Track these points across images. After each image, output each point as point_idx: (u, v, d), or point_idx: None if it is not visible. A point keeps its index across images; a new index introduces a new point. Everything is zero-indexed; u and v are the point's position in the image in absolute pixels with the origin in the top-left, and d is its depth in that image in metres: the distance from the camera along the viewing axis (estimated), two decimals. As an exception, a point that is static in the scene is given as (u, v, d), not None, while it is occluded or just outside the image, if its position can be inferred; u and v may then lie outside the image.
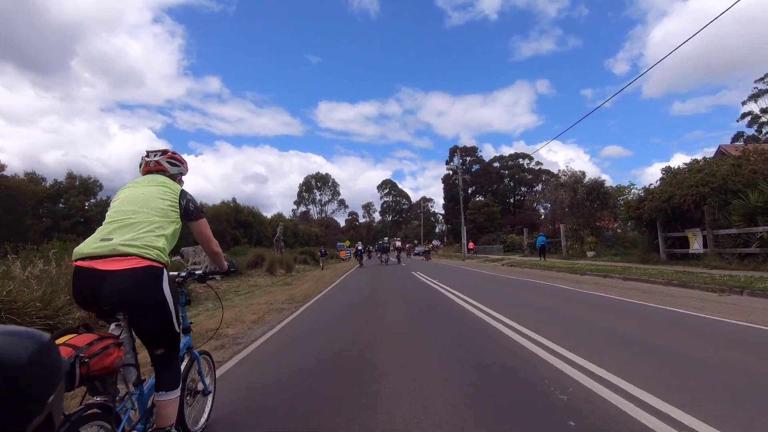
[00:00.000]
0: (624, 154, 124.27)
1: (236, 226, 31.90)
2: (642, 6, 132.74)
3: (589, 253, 23.46)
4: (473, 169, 78.40)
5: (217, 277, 2.86)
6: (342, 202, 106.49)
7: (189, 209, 2.34)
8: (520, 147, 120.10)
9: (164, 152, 2.52)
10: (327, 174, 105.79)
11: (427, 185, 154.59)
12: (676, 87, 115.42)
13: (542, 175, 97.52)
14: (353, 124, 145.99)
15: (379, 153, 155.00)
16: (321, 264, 33.47)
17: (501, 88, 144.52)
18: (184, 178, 2.64)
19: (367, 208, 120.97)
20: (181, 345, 2.40)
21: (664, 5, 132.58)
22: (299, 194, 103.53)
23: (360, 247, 33.95)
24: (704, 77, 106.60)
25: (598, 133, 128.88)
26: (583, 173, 31.01)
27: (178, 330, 2.18)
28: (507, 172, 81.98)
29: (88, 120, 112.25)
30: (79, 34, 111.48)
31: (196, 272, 2.76)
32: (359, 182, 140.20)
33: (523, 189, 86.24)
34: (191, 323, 2.79)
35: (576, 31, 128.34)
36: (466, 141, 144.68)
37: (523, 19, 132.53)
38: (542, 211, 60.89)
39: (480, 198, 77.96)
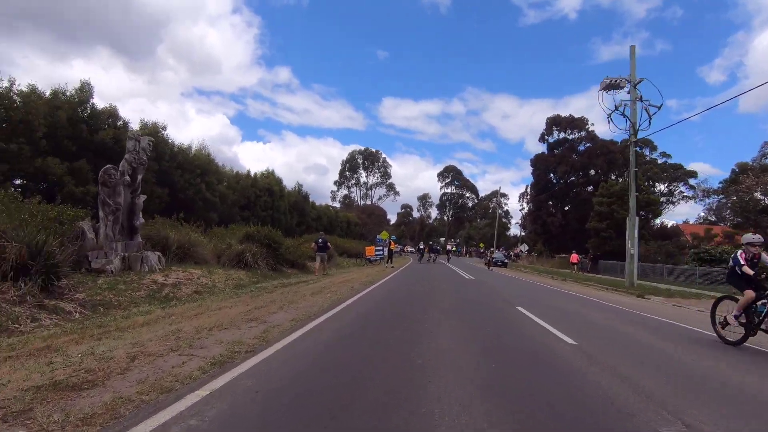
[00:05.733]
0: (711, 172, 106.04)
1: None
2: (748, 9, 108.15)
3: None
4: (580, 148, 54.62)
5: None
6: (392, 187, 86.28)
7: None
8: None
9: None
10: (377, 151, 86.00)
11: (487, 189, 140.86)
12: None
13: (670, 170, 71.31)
14: (416, 122, 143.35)
15: (439, 153, 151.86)
16: (317, 265, 16.54)
17: (574, 93, 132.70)
18: None
19: (423, 200, 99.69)
20: None
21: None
22: (341, 173, 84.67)
23: (422, 247, 36.84)
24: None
25: (682, 147, 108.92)
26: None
27: None
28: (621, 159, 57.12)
29: (170, 103, 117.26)
30: (165, 21, 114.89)
31: None
32: (418, 181, 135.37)
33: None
34: None
35: (666, 35, 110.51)
36: (531, 146, 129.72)
37: (605, 19, 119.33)
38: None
39: (588, 188, 53.97)
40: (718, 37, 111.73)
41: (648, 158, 65.55)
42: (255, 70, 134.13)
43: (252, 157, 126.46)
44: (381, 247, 27.34)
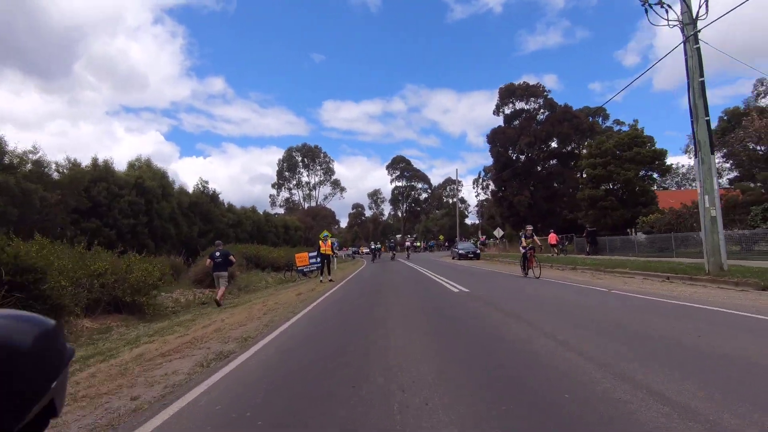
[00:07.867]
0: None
1: None
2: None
3: None
4: (539, 117, 49.23)
5: None
6: (337, 183, 78.00)
7: None
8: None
9: None
10: (316, 146, 77.18)
11: (437, 183, 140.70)
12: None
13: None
14: (358, 123, 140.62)
15: (385, 152, 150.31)
16: (219, 291, 10.85)
17: (507, 83, 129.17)
18: None
19: (374, 197, 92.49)
20: None
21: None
22: (279, 174, 75.03)
23: (374, 246, 38.83)
24: (720, 67, 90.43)
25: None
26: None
27: None
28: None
29: (95, 123, 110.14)
30: (79, 37, 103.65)
31: None
32: (367, 182, 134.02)
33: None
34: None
35: (584, 23, 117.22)
36: (473, 139, 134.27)
37: (528, 11, 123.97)
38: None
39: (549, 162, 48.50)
40: (629, 21, 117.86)
41: (604, 127, 61.97)
42: (186, 82, 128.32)
43: (193, 173, 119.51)
44: (314, 253, 19.14)
